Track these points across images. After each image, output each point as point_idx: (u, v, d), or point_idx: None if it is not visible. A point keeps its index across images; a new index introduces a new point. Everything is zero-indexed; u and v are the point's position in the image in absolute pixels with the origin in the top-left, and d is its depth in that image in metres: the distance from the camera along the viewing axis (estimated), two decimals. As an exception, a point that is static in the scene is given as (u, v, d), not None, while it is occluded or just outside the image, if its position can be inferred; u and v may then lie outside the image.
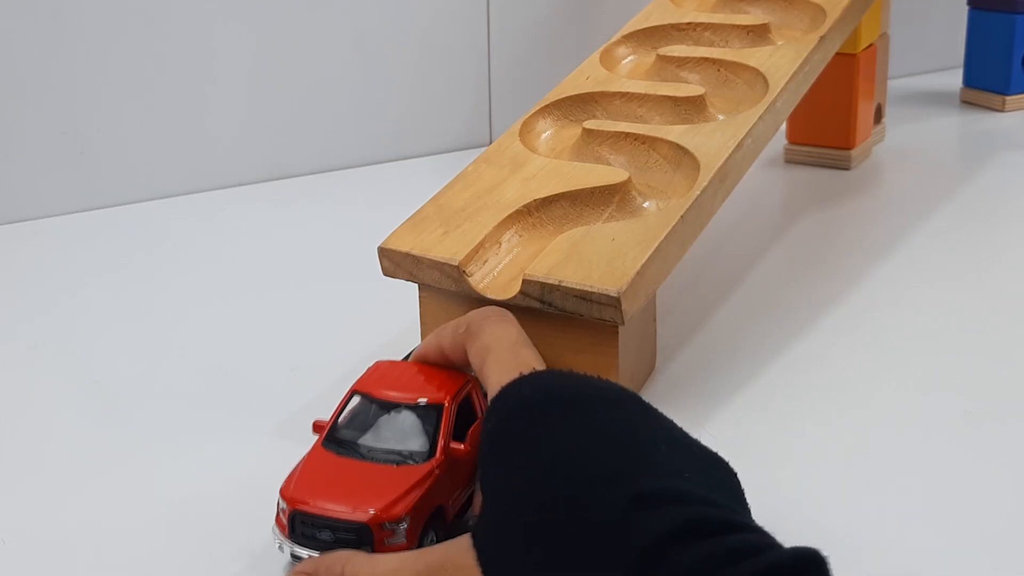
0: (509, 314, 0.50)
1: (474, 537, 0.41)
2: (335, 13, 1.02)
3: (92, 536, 0.50)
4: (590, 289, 0.55)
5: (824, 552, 0.33)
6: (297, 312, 0.74)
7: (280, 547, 0.46)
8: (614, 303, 0.55)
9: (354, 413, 0.49)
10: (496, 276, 0.60)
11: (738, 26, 0.82)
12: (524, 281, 0.57)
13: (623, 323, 0.55)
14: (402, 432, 0.48)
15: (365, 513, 0.44)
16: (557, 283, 0.56)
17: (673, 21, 0.84)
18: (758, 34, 0.81)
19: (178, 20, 0.96)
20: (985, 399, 0.60)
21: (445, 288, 0.59)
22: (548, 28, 1.13)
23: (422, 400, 0.48)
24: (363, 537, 0.44)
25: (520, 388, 0.44)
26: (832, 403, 0.60)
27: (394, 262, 0.61)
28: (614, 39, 0.83)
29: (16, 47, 0.90)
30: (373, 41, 1.05)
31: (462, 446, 0.47)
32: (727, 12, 0.87)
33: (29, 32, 0.90)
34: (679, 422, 0.52)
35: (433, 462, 0.46)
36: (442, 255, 0.59)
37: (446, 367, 0.51)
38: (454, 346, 0.50)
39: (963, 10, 1.21)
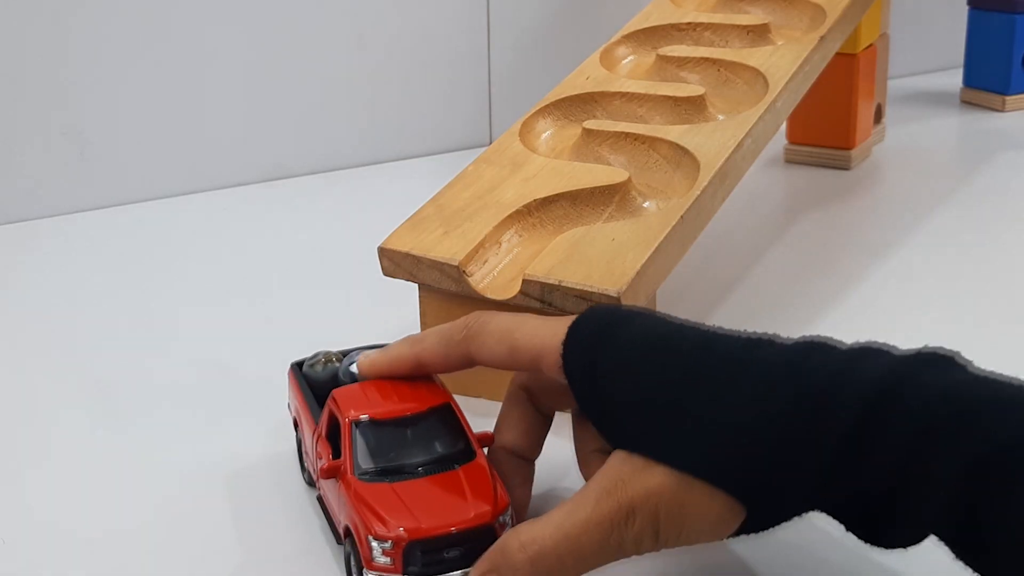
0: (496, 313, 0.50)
1: (623, 446, 0.41)
2: (335, 13, 1.02)
3: (92, 535, 0.50)
4: (590, 289, 0.55)
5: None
6: (297, 312, 0.74)
7: None
8: (614, 303, 0.55)
9: (368, 441, 0.46)
10: (496, 276, 0.60)
11: (738, 26, 0.82)
12: (524, 281, 0.57)
13: (623, 323, 0.55)
14: (430, 439, 0.47)
15: (483, 516, 0.43)
16: (557, 283, 0.56)
17: (673, 21, 0.84)
18: (758, 34, 0.81)
19: (178, 20, 0.96)
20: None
21: (445, 288, 0.59)
22: (548, 28, 1.13)
23: (430, 406, 0.47)
24: (489, 540, 0.42)
25: (591, 315, 0.45)
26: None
27: (394, 262, 0.61)
28: (614, 39, 0.83)
29: (16, 47, 0.90)
30: (373, 41, 1.05)
31: (489, 433, 0.48)
32: (727, 12, 0.87)
33: (29, 32, 0.90)
34: None
35: (480, 454, 0.46)
36: (442, 255, 0.59)
37: (415, 377, 0.49)
38: (448, 354, 0.48)
39: (963, 10, 1.21)
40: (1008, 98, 1.18)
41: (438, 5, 1.07)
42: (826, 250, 0.82)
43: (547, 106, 0.74)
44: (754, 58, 0.76)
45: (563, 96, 0.75)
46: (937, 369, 0.38)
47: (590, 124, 0.71)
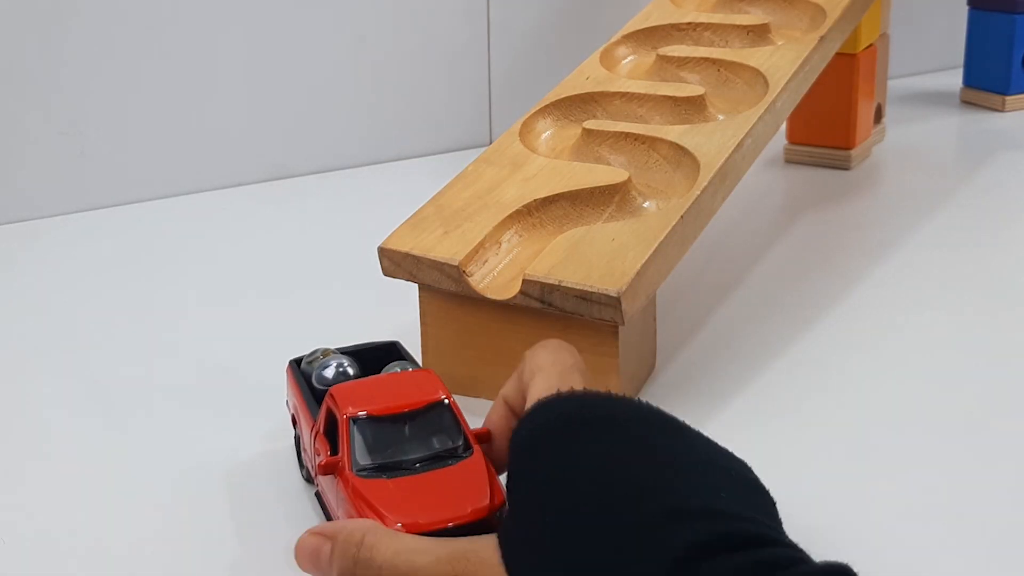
0: (568, 345, 0.48)
1: (500, 538, 0.40)
2: (335, 13, 1.02)
3: (91, 535, 0.50)
4: (590, 289, 0.55)
5: (855, 569, 0.33)
6: (297, 312, 0.74)
7: None
8: (614, 303, 0.55)
9: (365, 437, 0.47)
10: (496, 276, 0.60)
11: (738, 26, 0.82)
12: (524, 281, 0.57)
13: (623, 323, 0.55)
14: (428, 436, 0.47)
15: (480, 511, 0.43)
16: (557, 283, 0.56)
17: (673, 21, 0.84)
18: (758, 34, 0.81)
19: (178, 20, 0.96)
20: (986, 399, 0.60)
21: (445, 288, 0.59)
22: (548, 28, 1.13)
23: (428, 402, 0.47)
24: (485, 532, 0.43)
25: (558, 403, 0.43)
26: (832, 403, 0.60)
27: (394, 262, 0.61)
28: (614, 39, 0.83)
29: (16, 47, 0.90)
30: (373, 41, 1.05)
31: (486, 430, 0.48)
32: (727, 12, 0.87)
33: (29, 32, 0.90)
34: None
35: (477, 450, 0.47)
36: (442, 255, 0.59)
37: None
38: (517, 387, 0.47)
39: (963, 10, 1.21)
40: (1008, 98, 1.18)
41: (438, 5, 1.07)
42: (826, 250, 0.82)
43: (547, 106, 0.74)
44: (754, 58, 0.76)
45: (563, 96, 0.75)
46: None
47: (590, 124, 0.71)
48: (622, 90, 0.75)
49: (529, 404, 0.44)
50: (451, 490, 0.44)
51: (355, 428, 0.46)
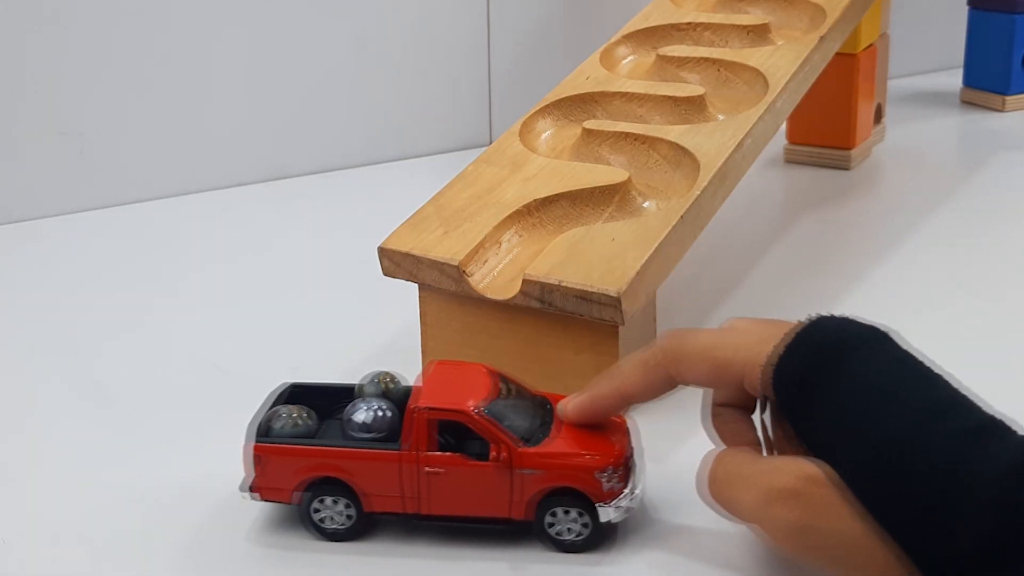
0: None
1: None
2: (335, 13, 1.02)
3: (91, 536, 0.50)
4: (590, 289, 0.55)
5: None
6: (297, 312, 0.74)
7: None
8: (614, 303, 0.55)
9: (501, 419, 0.47)
10: (496, 276, 0.60)
11: (738, 26, 0.82)
12: (524, 281, 0.57)
13: (623, 323, 0.55)
14: (524, 413, 0.48)
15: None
16: (557, 283, 0.56)
17: (673, 21, 0.84)
18: (758, 34, 0.81)
19: (178, 20, 0.96)
20: (985, 399, 0.60)
21: (445, 288, 0.59)
22: (548, 28, 1.13)
23: (499, 390, 0.49)
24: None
25: (813, 333, 0.45)
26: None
27: (394, 262, 0.61)
28: (614, 39, 0.83)
29: (16, 47, 0.90)
30: (373, 41, 1.05)
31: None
32: (727, 12, 0.87)
33: (29, 32, 0.90)
34: (678, 420, 0.52)
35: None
36: (442, 255, 0.59)
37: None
38: (648, 381, 0.48)
39: (963, 10, 1.21)
40: (1008, 98, 1.18)
41: (438, 5, 1.07)
42: (826, 250, 0.82)
43: (547, 106, 0.74)
44: (754, 58, 0.76)
45: (563, 96, 0.75)
46: None
47: (590, 124, 0.71)
48: (622, 90, 0.74)
49: (747, 363, 0.45)
50: (596, 435, 0.48)
51: (488, 416, 0.47)
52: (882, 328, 0.45)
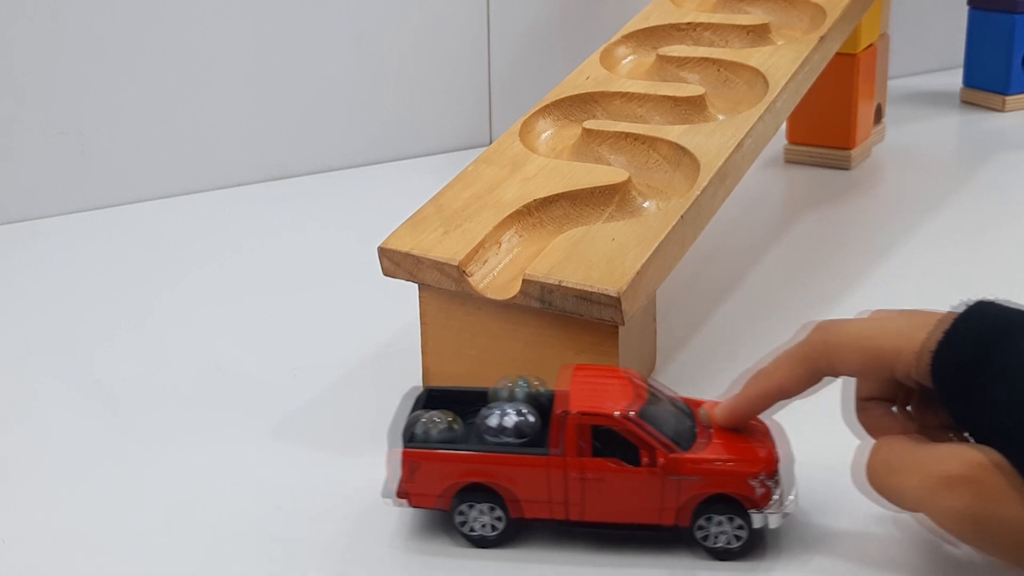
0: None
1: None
2: (335, 13, 1.02)
3: (91, 536, 0.50)
4: (590, 289, 0.55)
5: None
6: (297, 312, 0.74)
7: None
8: (614, 303, 0.55)
9: (655, 423, 0.47)
10: (496, 276, 0.60)
11: (738, 26, 0.82)
12: (524, 281, 0.57)
13: (623, 323, 0.55)
14: (671, 418, 0.48)
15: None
16: (557, 283, 0.56)
17: (673, 21, 0.84)
18: (758, 34, 0.81)
19: (178, 20, 0.96)
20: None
21: (445, 288, 0.59)
22: (548, 28, 1.13)
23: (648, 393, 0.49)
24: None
25: (974, 317, 0.44)
26: (831, 403, 0.60)
27: (394, 262, 0.61)
28: (614, 39, 0.83)
29: (16, 46, 0.90)
30: (373, 41, 1.05)
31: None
32: (727, 12, 0.87)
33: (29, 31, 0.90)
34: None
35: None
36: (442, 255, 0.59)
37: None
38: (805, 375, 0.48)
39: (963, 10, 1.21)
40: (1008, 98, 1.18)
41: (438, 5, 1.07)
42: (826, 250, 0.82)
43: (547, 106, 0.74)
44: (754, 58, 0.76)
45: (563, 96, 0.75)
46: None
47: (590, 124, 0.71)
48: (622, 90, 0.74)
49: (912, 347, 0.44)
50: (745, 441, 0.48)
51: (642, 421, 0.46)
52: None
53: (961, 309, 0.44)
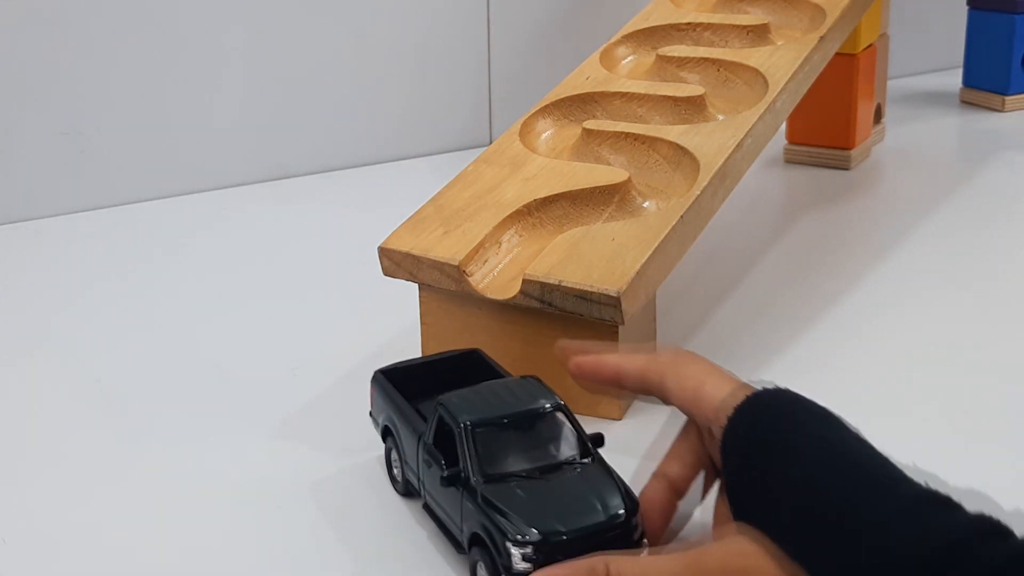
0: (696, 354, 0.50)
1: (753, 525, 0.41)
2: (335, 13, 1.02)
3: (92, 536, 0.50)
4: (590, 289, 0.55)
5: None
6: (297, 312, 0.74)
7: None
8: (614, 303, 0.55)
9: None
10: (496, 276, 0.60)
11: (738, 26, 0.82)
12: (524, 281, 0.57)
13: (623, 323, 0.55)
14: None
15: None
16: (557, 283, 0.56)
17: (673, 21, 0.84)
18: (758, 34, 0.81)
19: (178, 20, 0.96)
20: (985, 399, 0.60)
21: (445, 288, 0.59)
22: (548, 28, 1.13)
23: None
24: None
25: (768, 397, 0.44)
26: (832, 403, 0.60)
27: (394, 262, 0.61)
28: (614, 39, 0.83)
29: (17, 47, 0.90)
30: (373, 41, 1.05)
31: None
32: (727, 12, 0.87)
33: (30, 32, 0.90)
34: (678, 421, 0.52)
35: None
36: (442, 255, 0.59)
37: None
38: (646, 371, 0.48)
39: (963, 10, 1.21)
40: (1008, 98, 1.18)
41: (438, 5, 1.07)
42: (826, 250, 0.82)
43: (547, 106, 0.74)
44: (754, 58, 0.76)
45: (563, 96, 0.75)
46: None
47: (590, 124, 0.71)
48: (622, 90, 0.74)
49: (713, 406, 0.45)
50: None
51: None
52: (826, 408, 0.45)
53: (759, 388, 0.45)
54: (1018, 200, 0.93)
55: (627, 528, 0.43)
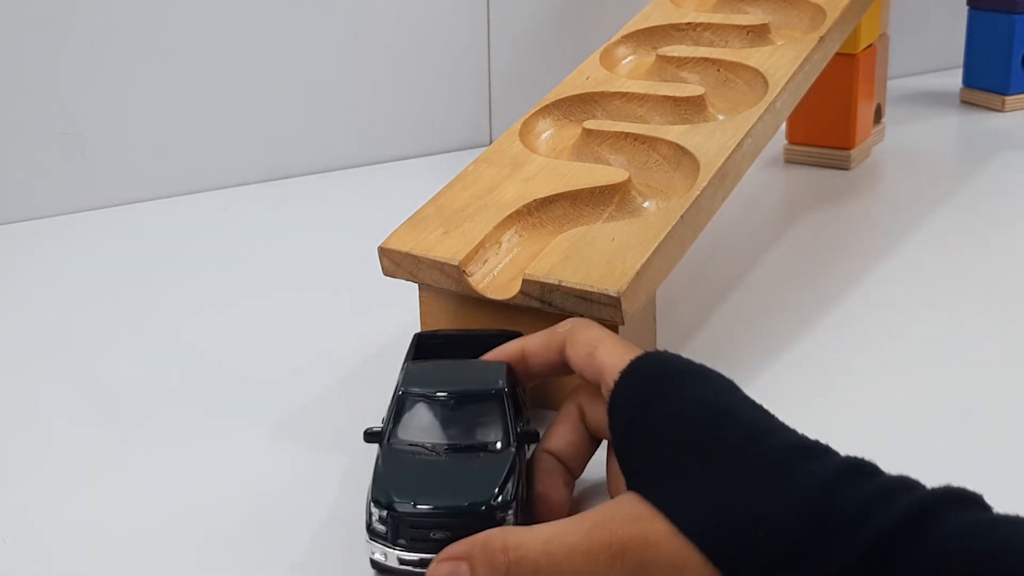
0: (596, 323, 0.51)
1: (637, 489, 0.42)
2: (335, 13, 1.02)
3: (92, 536, 0.50)
4: (590, 289, 0.55)
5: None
6: (297, 312, 0.74)
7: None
8: (614, 303, 0.55)
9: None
10: (496, 276, 0.60)
11: (738, 26, 0.82)
12: (524, 281, 0.57)
13: (623, 323, 0.55)
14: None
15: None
16: (557, 283, 0.56)
17: (673, 21, 0.84)
18: (758, 34, 0.81)
19: (178, 20, 0.96)
20: (985, 399, 0.60)
21: (445, 288, 0.59)
22: (548, 28, 1.13)
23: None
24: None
25: (650, 360, 0.45)
26: (831, 403, 0.60)
27: (394, 262, 0.61)
28: (614, 39, 0.83)
29: (16, 46, 0.90)
30: (373, 41, 1.05)
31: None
32: (727, 12, 0.87)
33: (29, 32, 0.90)
34: None
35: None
36: (442, 255, 0.59)
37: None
38: (548, 346, 0.50)
39: (963, 10, 1.21)
40: (1008, 98, 1.18)
41: (438, 5, 1.07)
42: (826, 250, 0.82)
43: (547, 106, 0.74)
44: (754, 58, 0.76)
45: (563, 96, 0.75)
46: (961, 509, 0.37)
47: (590, 124, 0.71)
48: (622, 90, 0.75)
49: (607, 371, 0.46)
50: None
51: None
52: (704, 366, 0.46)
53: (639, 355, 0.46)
54: (1018, 200, 0.93)
55: (488, 520, 0.43)
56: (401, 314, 0.67)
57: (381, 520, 0.44)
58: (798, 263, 0.80)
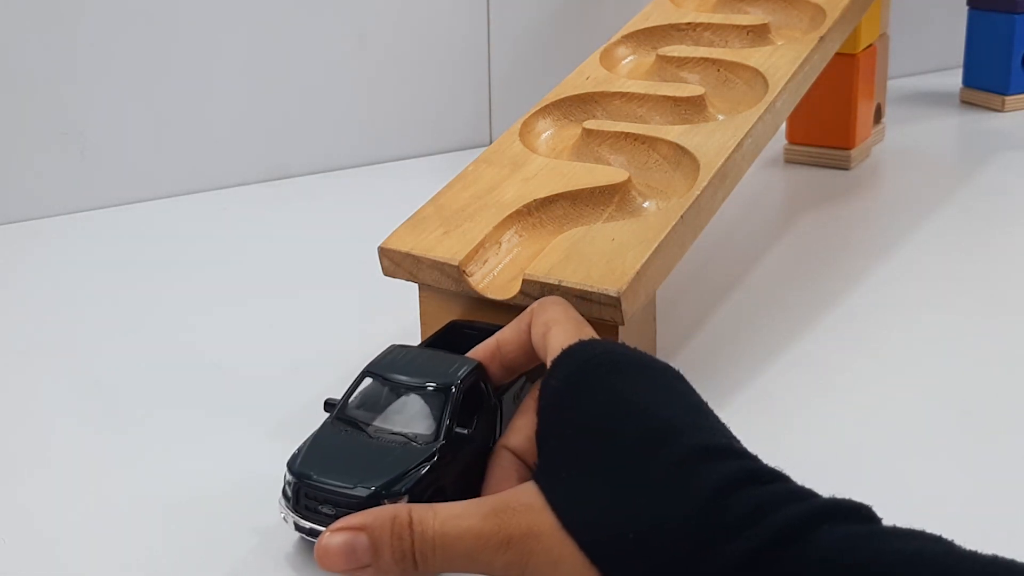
0: (566, 302, 0.50)
1: (538, 479, 0.42)
2: (335, 13, 1.03)
3: (92, 536, 0.50)
4: (590, 289, 0.55)
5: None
6: (297, 312, 0.74)
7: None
8: (614, 303, 0.55)
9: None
10: (496, 276, 0.60)
11: (738, 26, 0.82)
12: (524, 281, 0.57)
13: (623, 323, 0.55)
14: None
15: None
16: (557, 283, 0.56)
17: (673, 21, 0.84)
18: (758, 34, 0.81)
19: (179, 20, 0.96)
20: (985, 399, 0.60)
21: (445, 288, 0.59)
22: (548, 28, 1.13)
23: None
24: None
25: (585, 348, 0.45)
26: (832, 403, 0.60)
27: (394, 262, 0.61)
28: (614, 39, 0.83)
29: (16, 47, 0.90)
30: (373, 41, 1.05)
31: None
32: (727, 12, 0.87)
33: (30, 32, 0.90)
34: None
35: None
36: (442, 255, 0.59)
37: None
38: (517, 332, 0.49)
39: (963, 10, 1.21)
40: (1008, 98, 1.18)
41: (438, 5, 1.07)
42: (826, 250, 0.82)
43: (547, 106, 0.74)
44: (754, 58, 0.76)
45: (563, 96, 0.75)
46: (841, 521, 0.36)
47: (590, 124, 0.71)
48: (622, 90, 0.75)
49: (551, 354, 0.45)
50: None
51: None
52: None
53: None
54: (1018, 200, 0.93)
55: (372, 507, 0.43)
56: (401, 314, 0.67)
57: (288, 484, 0.46)
58: (798, 263, 0.80)
